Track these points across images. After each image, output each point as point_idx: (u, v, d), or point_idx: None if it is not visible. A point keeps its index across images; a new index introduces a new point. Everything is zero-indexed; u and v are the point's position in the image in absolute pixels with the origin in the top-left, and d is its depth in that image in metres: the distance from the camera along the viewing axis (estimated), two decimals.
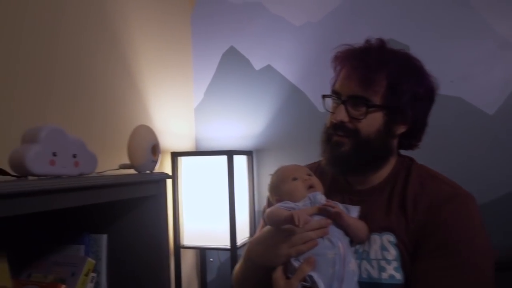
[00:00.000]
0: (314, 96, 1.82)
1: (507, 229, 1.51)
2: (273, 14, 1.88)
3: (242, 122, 1.93)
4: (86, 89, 1.37)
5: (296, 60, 1.85)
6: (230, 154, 1.67)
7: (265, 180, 1.88)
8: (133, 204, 0.99)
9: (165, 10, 1.82)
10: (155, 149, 0.99)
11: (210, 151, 1.77)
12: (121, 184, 0.88)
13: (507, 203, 1.55)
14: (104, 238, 1.01)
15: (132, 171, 0.97)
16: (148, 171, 0.99)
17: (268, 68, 1.89)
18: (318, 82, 1.81)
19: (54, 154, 0.76)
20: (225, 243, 1.66)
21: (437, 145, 1.56)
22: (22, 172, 0.75)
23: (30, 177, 0.75)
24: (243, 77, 1.92)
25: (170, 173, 1.71)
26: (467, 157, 1.60)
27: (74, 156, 0.80)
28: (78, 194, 0.78)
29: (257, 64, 1.91)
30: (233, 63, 1.94)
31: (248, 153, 1.85)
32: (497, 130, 1.57)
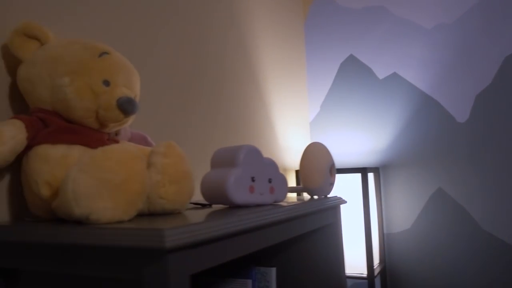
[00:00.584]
0: (451, 104, 1.62)
1: None
2: (398, 17, 1.72)
3: (364, 136, 1.77)
4: (223, 106, 1.29)
5: (428, 66, 1.67)
6: (364, 171, 1.51)
7: (393, 200, 1.71)
8: (305, 233, 0.86)
9: (278, 20, 1.72)
10: (332, 170, 0.86)
11: (342, 169, 1.62)
12: (310, 213, 0.75)
13: None
14: (272, 271, 0.89)
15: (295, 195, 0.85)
16: (324, 195, 0.86)
17: (394, 76, 1.73)
18: (455, 89, 1.62)
19: (253, 179, 0.66)
20: (360, 271, 1.50)
21: None
22: (220, 199, 0.65)
23: (210, 205, 0.64)
24: (365, 87, 1.77)
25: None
26: None
27: (270, 180, 0.69)
28: (277, 229, 0.66)
29: (381, 73, 1.75)
30: (353, 73, 1.80)
31: (374, 170, 1.69)
32: None
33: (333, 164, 0.86)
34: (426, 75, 1.68)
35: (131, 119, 0.65)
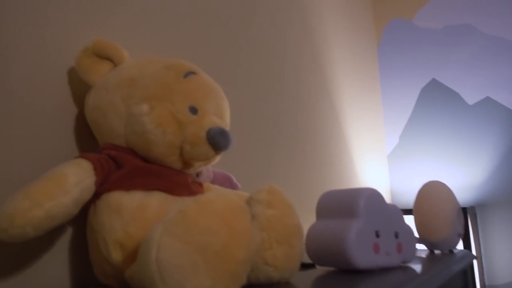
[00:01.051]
0: None
1: None
2: (488, 34, 1.53)
3: (453, 169, 1.55)
4: (302, 142, 1.15)
5: None
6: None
7: (495, 245, 1.46)
8: None
9: (350, 44, 1.58)
10: (459, 217, 0.68)
11: None
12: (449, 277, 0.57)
13: None
14: None
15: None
16: (450, 250, 0.68)
17: (487, 101, 1.51)
18: None
19: (377, 234, 0.50)
20: None
21: None
22: (333, 260, 0.49)
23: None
24: (452, 114, 1.57)
25: None
26: None
27: (396, 235, 0.52)
28: None
29: (470, 98, 1.54)
30: (436, 99, 1.60)
31: (470, 209, 1.45)
32: None
33: (460, 209, 0.68)
34: None
35: (219, 156, 0.51)
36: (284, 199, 0.46)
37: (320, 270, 0.55)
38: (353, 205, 0.49)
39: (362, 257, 0.47)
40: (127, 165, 0.48)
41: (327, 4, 1.40)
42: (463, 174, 1.53)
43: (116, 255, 0.44)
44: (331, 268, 0.54)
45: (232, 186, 0.62)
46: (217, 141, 0.47)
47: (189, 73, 0.50)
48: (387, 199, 1.66)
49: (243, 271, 0.38)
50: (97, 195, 0.47)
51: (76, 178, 0.44)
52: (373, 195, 0.51)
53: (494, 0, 1.51)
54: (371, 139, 1.62)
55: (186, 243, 0.35)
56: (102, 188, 0.47)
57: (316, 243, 0.51)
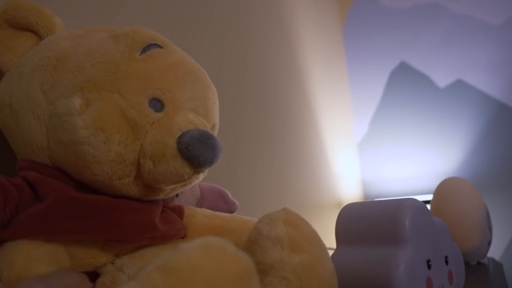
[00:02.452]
0: None
1: None
2: (458, 13, 1.45)
3: (427, 157, 1.47)
4: (272, 134, 1.00)
5: (500, 68, 1.39)
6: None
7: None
8: None
9: (316, 29, 1.45)
10: (489, 220, 0.56)
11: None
12: None
13: None
14: None
15: None
16: (478, 261, 0.56)
17: (458, 84, 1.44)
18: None
19: (429, 265, 0.36)
20: None
21: None
22: None
23: None
24: (423, 99, 1.49)
25: None
26: None
27: (446, 261, 0.39)
28: None
29: (441, 80, 1.47)
30: (406, 83, 1.52)
31: None
32: None
33: (488, 212, 0.56)
34: (498, 79, 1.39)
35: (203, 174, 0.34)
36: (311, 232, 0.30)
37: None
38: (396, 226, 0.35)
39: None
40: (50, 195, 0.30)
41: None
42: (436, 161, 1.46)
43: None
44: None
45: (228, 205, 0.46)
46: (196, 153, 0.30)
47: (150, 46, 0.33)
48: (359, 190, 1.56)
49: None
50: None
51: None
52: (420, 209, 0.37)
53: None
54: (340, 128, 1.51)
55: None
56: (3, 233, 0.29)
57: (344, 284, 0.36)
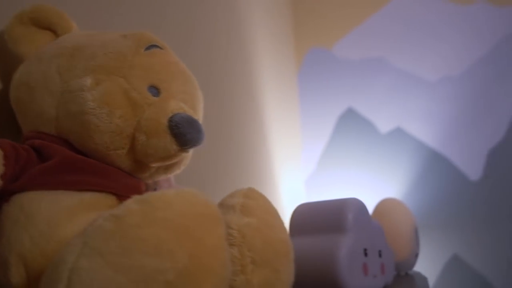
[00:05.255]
0: (462, 161, 1.49)
1: None
2: (400, 69, 1.62)
3: (367, 197, 1.58)
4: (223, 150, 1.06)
5: (434, 120, 1.55)
6: None
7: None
8: None
9: (273, 72, 1.56)
10: (417, 235, 0.64)
11: None
12: None
13: None
14: None
15: None
16: (406, 272, 0.64)
17: (398, 131, 1.59)
18: (465, 145, 1.50)
19: (366, 253, 0.43)
20: None
21: None
22: (312, 283, 0.41)
23: None
24: (366, 143, 1.62)
25: None
26: None
27: (380, 253, 0.46)
28: None
29: (383, 127, 1.61)
30: (352, 127, 1.65)
31: None
32: None
33: (416, 228, 0.65)
34: (433, 130, 1.55)
35: (186, 158, 0.40)
36: (268, 205, 0.36)
37: None
38: (340, 218, 0.42)
39: (353, 281, 0.40)
40: (54, 156, 0.34)
41: (250, 33, 1.37)
42: (374, 202, 1.56)
43: (16, 278, 0.30)
44: None
45: None
46: (184, 131, 0.35)
47: (153, 46, 0.39)
48: None
49: None
50: (6, 195, 0.32)
51: None
52: (361, 207, 0.44)
53: (406, 38, 1.63)
54: (290, 165, 1.59)
55: (118, 269, 0.22)
56: (14, 185, 0.33)
57: (295, 263, 0.42)
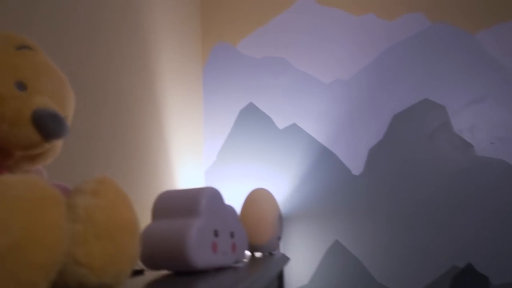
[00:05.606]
0: (347, 157, 1.66)
1: None
2: (298, 70, 1.75)
3: (262, 186, 1.68)
4: (121, 142, 1.08)
5: (325, 119, 1.70)
6: None
7: (291, 254, 1.63)
8: None
9: (180, 64, 1.60)
10: (280, 222, 0.73)
11: None
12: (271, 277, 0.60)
13: None
14: None
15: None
16: (270, 252, 0.72)
17: (294, 127, 1.71)
18: (350, 142, 1.67)
19: (216, 234, 0.49)
20: None
21: (479, 206, 1.45)
22: (167, 262, 0.47)
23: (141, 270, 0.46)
24: (265, 137, 1.72)
25: None
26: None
27: (232, 234, 0.53)
28: None
29: (281, 123, 1.73)
30: (252, 121, 1.74)
31: None
32: None
33: (281, 215, 0.73)
34: (324, 127, 1.70)
35: (53, 151, 0.43)
36: (117, 189, 0.40)
37: (152, 275, 0.51)
38: (195, 204, 0.48)
39: (201, 257, 0.46)
40: None
41: (159, 26, 1.39)
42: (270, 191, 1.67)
43: None
44: (163, 272, 0.51)
45: None
46: (46, 123, 0.39)
47: (24, 47, 0.42)
48: None
49: (42, 279, 0.29)
50: None
51: None
52: (215, 194, 0.50)
53: (304, 41, 1.75)
54: (191, 155, 1.64)
55: None
56: None
57: (151, 245, 0.47)
